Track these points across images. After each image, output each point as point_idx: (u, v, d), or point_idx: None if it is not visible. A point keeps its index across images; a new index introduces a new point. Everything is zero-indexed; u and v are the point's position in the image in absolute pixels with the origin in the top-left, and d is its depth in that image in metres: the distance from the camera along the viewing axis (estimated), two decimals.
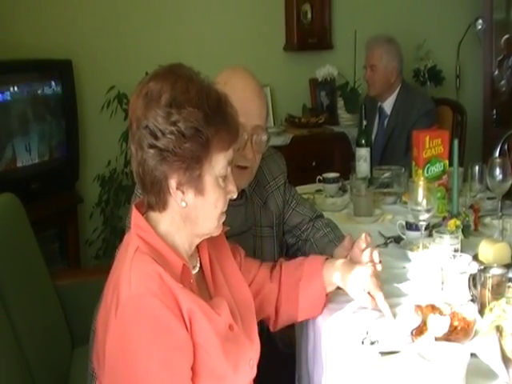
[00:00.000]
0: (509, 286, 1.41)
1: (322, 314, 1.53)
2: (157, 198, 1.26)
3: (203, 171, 1.23)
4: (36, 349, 1.81)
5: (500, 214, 2.01)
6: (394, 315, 1.46)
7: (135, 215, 1.28)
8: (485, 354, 1.26)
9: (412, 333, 1.34)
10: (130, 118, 1.27)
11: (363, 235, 1.59)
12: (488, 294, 1.39)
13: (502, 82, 4.62)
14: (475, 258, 1.67)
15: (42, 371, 1.82)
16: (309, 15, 4.21)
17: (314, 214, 1.94)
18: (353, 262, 1.54)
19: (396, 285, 1.64)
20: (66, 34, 3.58)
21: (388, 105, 3.32)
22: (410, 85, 3.59)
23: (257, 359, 1.36)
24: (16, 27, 3.43)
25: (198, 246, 1.36)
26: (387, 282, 1.63)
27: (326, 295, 1.54)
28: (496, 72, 4.61)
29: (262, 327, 1.57)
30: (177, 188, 1.23)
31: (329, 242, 1.82)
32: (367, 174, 2.60)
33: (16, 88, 3.07)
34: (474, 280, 1.46)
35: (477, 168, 2.08)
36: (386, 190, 2.53)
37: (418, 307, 1.41)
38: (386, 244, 1.98)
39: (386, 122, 3.32)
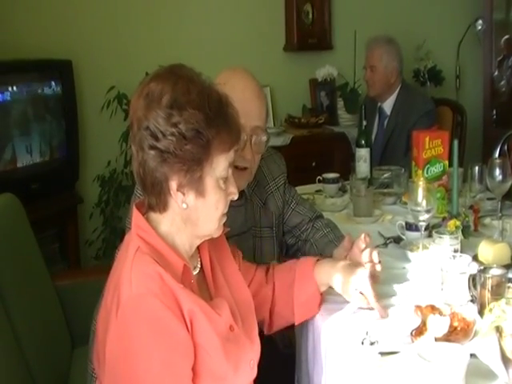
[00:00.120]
0: (508, 287, 1.41)
1: (321, 315, 1.53)
2: (157, 199, 1.26)
3: (204, 173, 1.23)
4: (36, 349, 1.81)
5: (500, 214, 2.01)
6: (387, 313, 1.47)
7: (136, 215, 1.28)
8: (484, 354, 1.26)
9: (412, 333, 1.34)
10: (130, 118, 1.27)
11: (362, 235, 1.59)
12: (488, 295, 1.40)
13: (502, 82, 4.62)
14: (475, 258, 1.68)
15: (42, 371, 1.82)
16: (310, 15, 4.21)
17: (314, 215, 1.94)
18: (344, 261, 1.56)
19: (396, 285, 1.64)
20: (66, 34, 3.58)
21: (388, 105, 3.32)
22: (410, 85, 3.59)
23: (257, 360, 1.36)
24: (16, 27, 3.43)
25: (198, 247, 1.36)
26: (387, 283, 1.63)
27: (321, 294, 1.54)
28: (496, 72, 4.61)
29: (262, 328, 1.58)
30: (177, 189, 1.23)
31: (328, 243, 1.82)
32: (367, 175, 2.60)
33: (16, 88, 3.07)
34: (473, 280, 1.47)
35: (476, 168, 2.08)
36: (385, 191, 2.53)
37: (418, 307, 1.41)
38: (385, 244, 1.99)
39: (385, 122, 3.32)
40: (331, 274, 1.51)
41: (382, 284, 1.61)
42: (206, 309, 1.24)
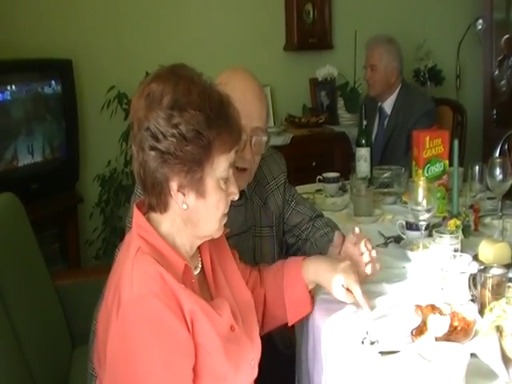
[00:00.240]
0: (509, 286, 1.41)
1: (321, 315, 1.53)
2: (158, 200, 1.25)
3: (205, 174, 1.23)
4: (36, 349, 1.81)
5: (500, 214, 2.01)
6: (372, 309, 1.48)
7: (137, 215, 1.28)
8: (485, 354, 1.26)
9: (412, 333, 1.34)
10: (131, 118, 1.26)
11: (354, 229, 1.62)
12: (488, 294, 1.40)
13: (502, 82, 4.62)
14: (475, 258, 1.68)
15: (42, 371, 1.82)
16: (311, 15, 4.21)
17: (314, 214, 1.94)
18: (329, 258, 1.58)
19: (396, 285, 1.64)
20: (66, 34, 3.57)
21: (388, 105, 3.32)
22: (410, 85, 3.59)
23: (258, 360, 1.36)
24: (16, 27, 3.43)
25: (199, 247, 1.36)
26: (387, 282, 1.64)
27: (310, 292, 1.55)
28: (496, 72, 4.61)
29: None
30: (178, 190, 1.23)
31: (328, 242, 1.82)
32: (367, 174, 2.61)
33: (16, 87, 3.07)
34: (474, 280, 1.47)
35: (477, 168, 2.09)
36: (386, 190, 2.53)
37: (418, 307, 1.41)
38: (385, 244, 1.99)
39: (386, 121, 3.32)
40: (318, 272, 1.52)
41: (382, 284, 1.62)
42: (206, 309, 1.23)
